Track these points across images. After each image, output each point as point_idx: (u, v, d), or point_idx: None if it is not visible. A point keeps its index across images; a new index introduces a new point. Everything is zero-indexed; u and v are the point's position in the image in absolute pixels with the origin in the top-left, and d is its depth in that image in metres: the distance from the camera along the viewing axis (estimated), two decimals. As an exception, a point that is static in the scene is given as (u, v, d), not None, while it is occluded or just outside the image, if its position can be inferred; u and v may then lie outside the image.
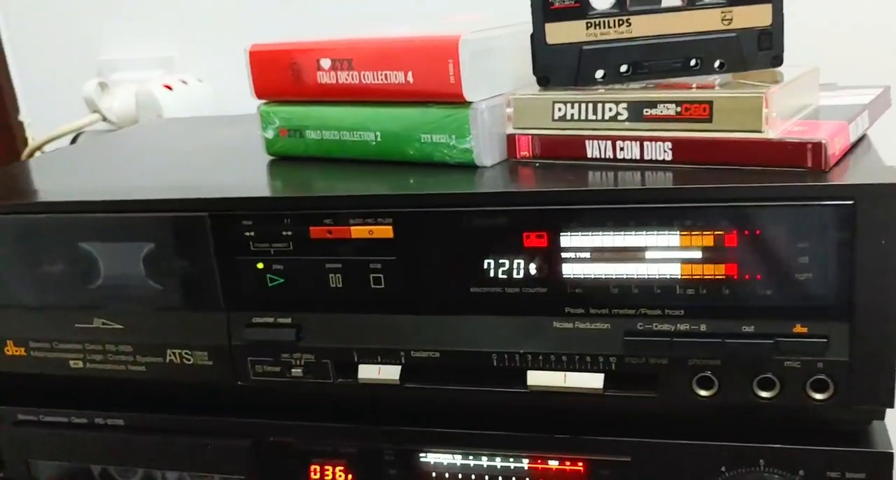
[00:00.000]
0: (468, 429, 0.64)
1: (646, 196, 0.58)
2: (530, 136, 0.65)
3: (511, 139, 0.66)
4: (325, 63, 0.69)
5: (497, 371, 0.62)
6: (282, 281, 0.64)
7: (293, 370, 0.65)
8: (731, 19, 0.64)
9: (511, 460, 0.64)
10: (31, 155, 1.25)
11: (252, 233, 0.64)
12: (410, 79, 0.65)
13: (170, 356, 0.69)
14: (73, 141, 1.24)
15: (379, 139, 0.69)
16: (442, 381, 0.63)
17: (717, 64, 0.64)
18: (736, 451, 0.60)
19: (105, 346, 0.70)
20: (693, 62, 0.64)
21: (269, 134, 0.74)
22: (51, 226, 0.70)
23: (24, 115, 1.38)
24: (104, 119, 1.21)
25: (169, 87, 1.19)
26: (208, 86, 1.23)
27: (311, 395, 0.67)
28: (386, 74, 0.66)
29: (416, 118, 0.67)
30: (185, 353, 0.68)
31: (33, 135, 1.37)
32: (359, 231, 0.62)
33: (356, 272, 0.63)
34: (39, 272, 0.71)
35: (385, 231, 0.61)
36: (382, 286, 0.63)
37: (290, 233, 0.63)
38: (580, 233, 0.59)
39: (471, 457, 0.65)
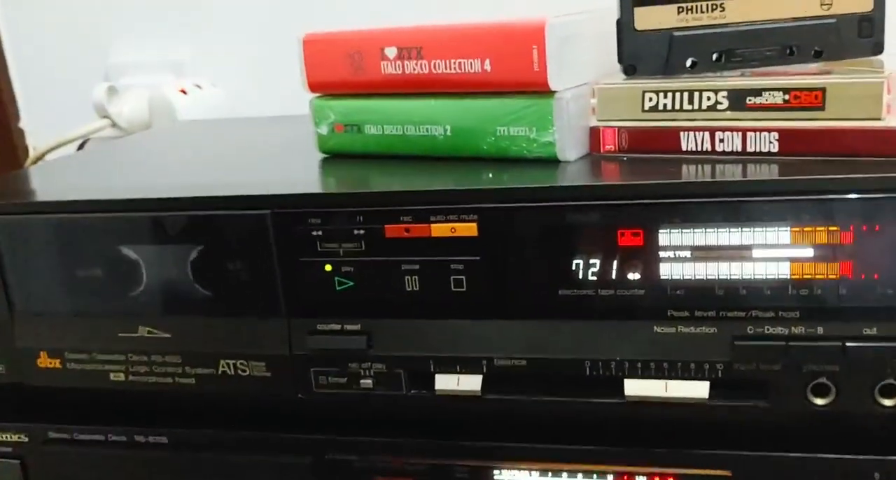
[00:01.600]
0: (550, 443, 0.59)
1: (754, 188, 0.53)
2: (616, 129, 0.61)
3: (595, 132, 0.61)
4: (391, 52, 0.63)
5: (590, 380, 0.57)
6: (351, 284, 0.59)
7: (362, 381, 0.60)
8: (831, 4, 0.59)
9: (595, 476, 0.59)
10: (35, 162, 1.18)
11: (320, 233, 0.58)
12: (488, 67, 0.60)
13: (223, 367, 0.63)
14: (80, 148, 1.18)
15: (448, 133, 0.64)
16: (527, 392, 0.58)
17: (813, 51, 0.60)
18: (850, 464, 0.55)
19: (151, 357, 0.64)
20: (789, 50, 0.60)
21: (323, 130, 0.68)
22: (89, 226, 0.64)
23: (25, 123, 1.31)
24: (114, 125, 1.14)
25: (184, 92, 1.13)
26: (222, 90, 1.18)
27: (378, 409, 0.61)
28: (460, 63, 0.61)
29: (493, 110, 0.62)
30: (241, 364, 0.62)
31: (34, 144, 1.30)
32: (440, 229, 0.56)
33: (435, 273, 0.57)
34: (76, 277, 0.65)
35: (469, 229, 0.56)
36: (464, 288, 0.57)
37: (362, 231, 0.58)
38: (680, 230, 0.54)
39: (550, 474, 0.60)
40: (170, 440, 0.66)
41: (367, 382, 0.60)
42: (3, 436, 0.69)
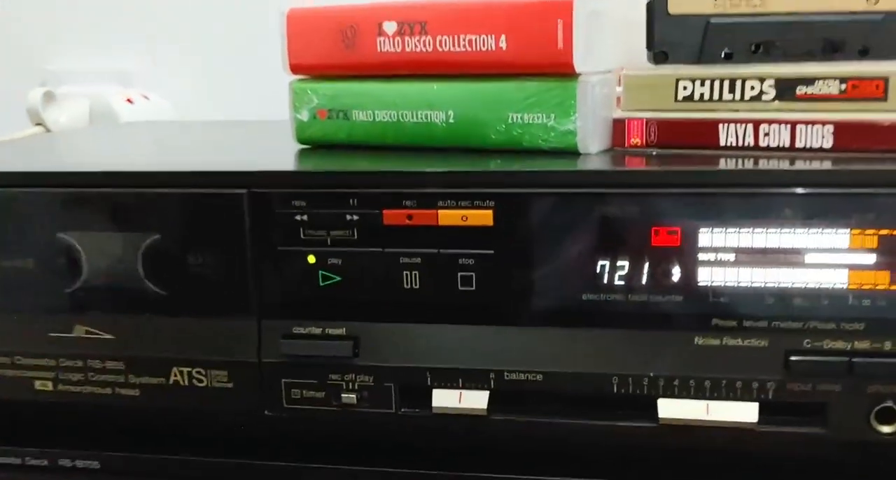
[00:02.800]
0: (568, 477, 0.49)
1: (808, 179, 0.45)
2: (645, 120, 0.53)
3: (619, 124, 0.54)
4: (390, 27, 0.55)
5: (618, 399, 0.48)
6: (338, 279, 0.49)
7: (344, 396, 0.50)
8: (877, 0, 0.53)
9: (611, 518, 0.50)
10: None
11: (304, 217, 0.49)
12: (503, 44, 0.53)
13: (175, 375, 0.52)
14: (8, 157, 1.06)
15: (451, 120, 0.55)
16: (543, 412, 0.49)
17: (860, 49, 0.53)
18: (911, 505, 0.47)
19: (87, 362, 0.53)
20: (833, 45, 0.53)
21: (304, 115, 0.59)
22: (18, 205, 0.53)
23: (-54, 131, 1.18)
24: (48, 132, 1.03)
25: (130, 101, 1.03)
26: (171, 102, 1.08)
27: (362, 431, 0.51)
28: (471, 40, 0.53)
29: (506, 93, 0.54)
30: (197, 372, 0.52)
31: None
32: (449, 216, 0.48)
33: (440, 269, 0.48)
34: (5, 263, 0.54)
35: (483, 217, 0.47)
36: (473, 288, 0.48)
37: (355, 217, 0.48)
38: (724, 230, 0.46)
39: (559, 514, 0.50)
40: (103, 465, 0.54)
41: (349, 397, 0.50)
42: None
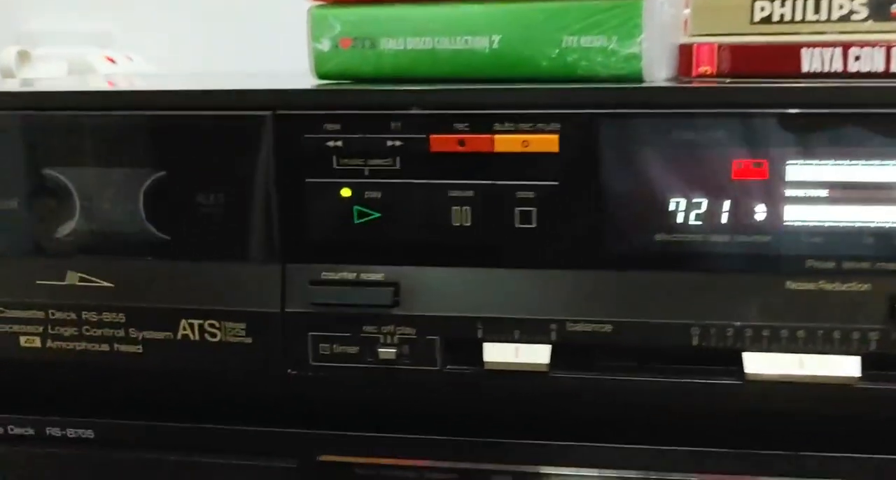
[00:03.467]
0: (642, 443, 0.43)
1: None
2: (716, 46, 0.47)
3: (685, 51, 0.47)
4: (425, -61, 0.48)
5: (698, 353, 0.41)
6: (376, 216, 0.42)
7: (381, 351, 0.43)
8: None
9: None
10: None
11: (338, 143, 0.42)
12: (558, -43, 0.46)
13: (184, 329, 0.45)
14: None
15: (496, 46, 0.48)
16: (612, 369, 0.42)
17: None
18: None
19: (82, 315, 0.45)
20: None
21: (324, 45, 0.52)
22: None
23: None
24: (24, 93, 0.95)
25: (112, 61, 0.95)
26: (156, 65, 1.00)
27: (400, 392, 0.44)
28: (520, -48, 0.47)
29: (561, 14, 0.47)
30: (210, 325, 0.44)
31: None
32: (507, 142, 0.41)
33: (495, 203, 0.42)
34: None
35: (547, 142, 0.41)
36: (533, 225, 0.42)
37: (398, 143, 0.42)
38: (817, 161, 0.40)
39: (613, 486, 0.44)
40: (98, 434, 0.47)
41: (387, 352, 0.43)
42: None
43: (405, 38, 0.50)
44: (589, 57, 0.47)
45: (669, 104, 0.40)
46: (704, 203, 0.42)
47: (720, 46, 0.47)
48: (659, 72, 0.47)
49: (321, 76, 0.52)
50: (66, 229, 0.47)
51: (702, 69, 0.47)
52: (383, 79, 0.50)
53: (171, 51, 1.01)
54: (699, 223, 0.42)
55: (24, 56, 0.95)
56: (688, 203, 0.42)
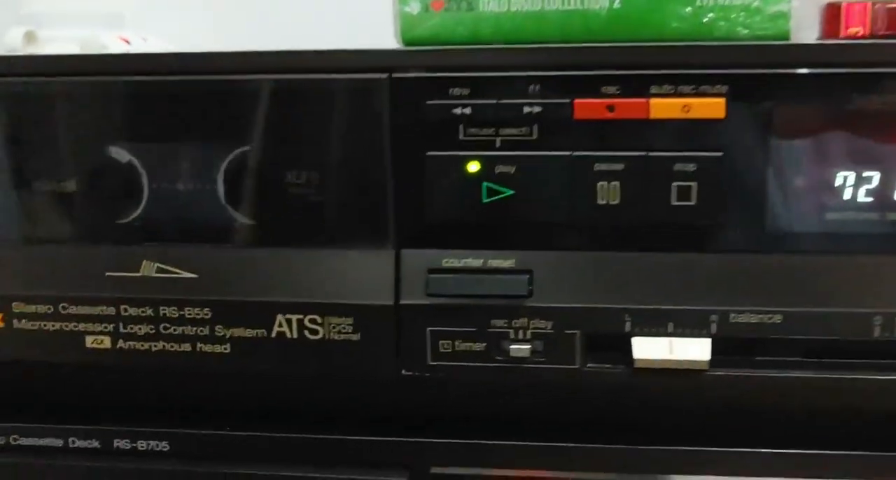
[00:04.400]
0: (816, 448, 0.37)
1: None
2: (868, 5, 0.41)
3: (832, 10, 0.42)
4: None
5: (880, 347, 0.36)
6: (509, 193, 0.36)
7: (513, 347, 0.37)
8: None
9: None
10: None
11: (467, 111, 0.36)
12: None
13: (280, 325, 0.38)
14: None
15: (616, 5, 0.43)
16: (780, 365, 0.36)
17: None
18: None
19: (160, 311, 0.39)
20: None
21: (413, 7, 0.46)
22: (55, 108, 0.40)
23: None
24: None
25: (127, 41, 0.88)
26: (173, 45, 0.93)
27: (532, 395, 0.38)
28: None
29: (695, -33, 0.41)
30: (311, 321, 0.38)
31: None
32: (664, 106, 0.35)
33: (649, 178, 0.36)
34: (35, 189, 0.40)
35: (712, 107, 0.35)
36: (692, 202, 0.36)
37: (536, 109, 0.35)
38: None
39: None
40: (174, 448, 0.41)
41: (520, 349, 0.37)
42: None
43: (508, -1, 0.44)
44: (728, 16, 0.41)
45: (863, 63, 0.34)
46: (877, 177, 0.36)
47: (874, 5, 0.41)
48: (807, 32, 0.41)
49: (408, 42, 0.45)
50: (132, 213, 0.40)
51: (852, 30, 0.42)
52: (481, 44, 0.44)
53: (183, 31, 0.93)
54: (871, 200, 0.36)
55: (30, 37, 0.88)
56: (858, 177, 0.36)
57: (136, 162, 0.41)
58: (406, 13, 0.45)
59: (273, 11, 0.87)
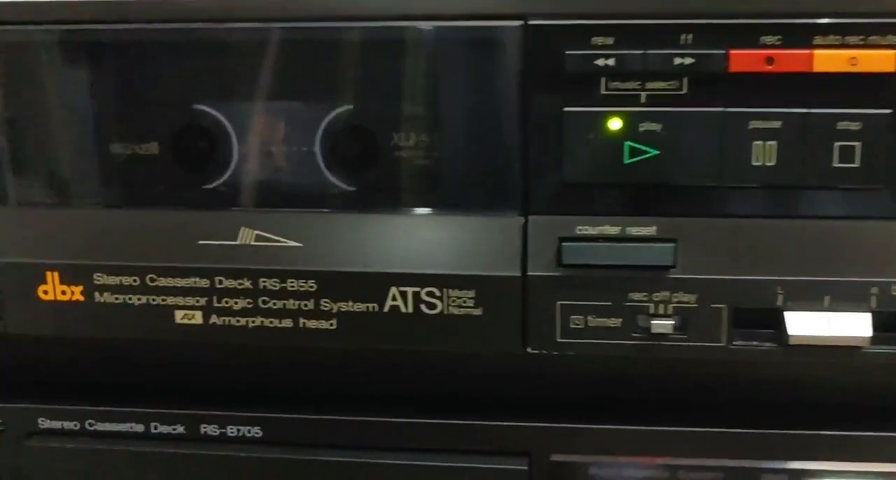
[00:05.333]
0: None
1: None
2: None
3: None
4: None
5: None
6: (653, 153, 0.33)
7: (654, 323, 0.33)
8: None
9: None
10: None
11: (610, 62, 0.32)
12: None
13: (393, 298, 0.34)
14: None
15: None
16: (947, 341, 0.33)
17: None
18: None
19: (259, 282, 0.35)
20: None
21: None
22: (133, 63, 0.35)
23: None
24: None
25: None
26: None
27: (670, 375, 0.35)
28: None
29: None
30: (428, 294, 0.34)
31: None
32: (829, 59, 0.32)
33: (810, 137, 0.32)
34: (113, 151, 0.36)
35: (882, 60, 0.32)
36: (855, 164, 0.32)
37: (688, 60, 0.32)
38: None
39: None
40: (267, 433, 0.37)
41: (662, 324, 0.33)
42: (-46, 426, 0.37)
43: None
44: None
45: None
46: None
47: None
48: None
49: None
50: (219, 178, 0.36)
51: None
52: None
53: None
54: None
55: None
56: None
57: (224, 122, 0.36)
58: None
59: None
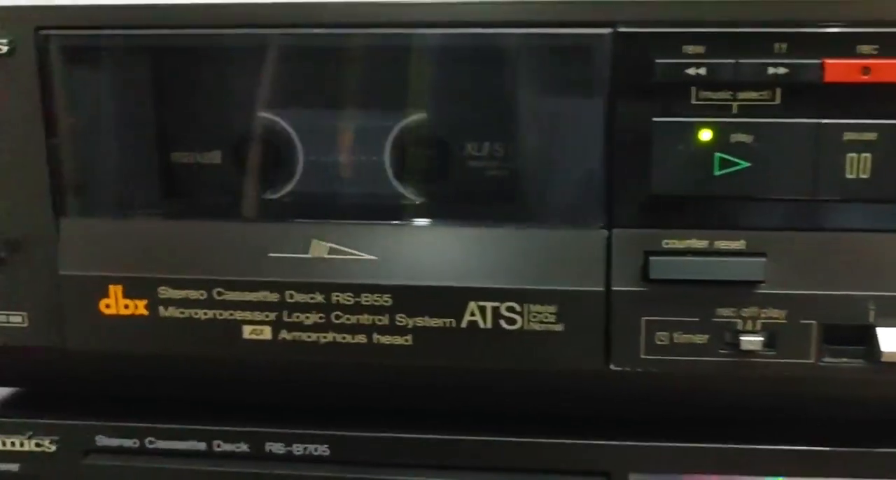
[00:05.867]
0: None
1: None
2: None
3: None
4: None
5: None
6: (744, 165, 0.32)
7: (743, 339, 0.32)
8: None
9: None
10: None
11: (701, 71, 0.31)
12: None
13: (472, 314, 0.33)
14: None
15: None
16: None
17: None
18: None
19: (331, 297, 0.33)
20: None
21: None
22: (195, 68, 0.34)
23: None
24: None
25: None
26: None
27: (752, 392, 0.33)
28: None
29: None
30: (508, 309, 0.33)
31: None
32: (929, 69, 0.30)
33: (906, 149, 0.31)
34: (177, 159, 0.35)
35: (983, 69, 0.30)
36: (954, 178, 0.31)
37: (782, 70, 0.31)
38: None
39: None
40: (335, 451, 0.35)
41: (751, 341, 0.32)
42: (12, 441, 0.36)
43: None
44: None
45: None
46: None
47: None
48: None
49: None
50: (284, 188, 0.35)
51: None
52: None
53: None
54: None
55: None
56: None
57: (290, 130, 0.35)
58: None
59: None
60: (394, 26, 0.33)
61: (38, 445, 0.36)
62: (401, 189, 0.35)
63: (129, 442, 0.36)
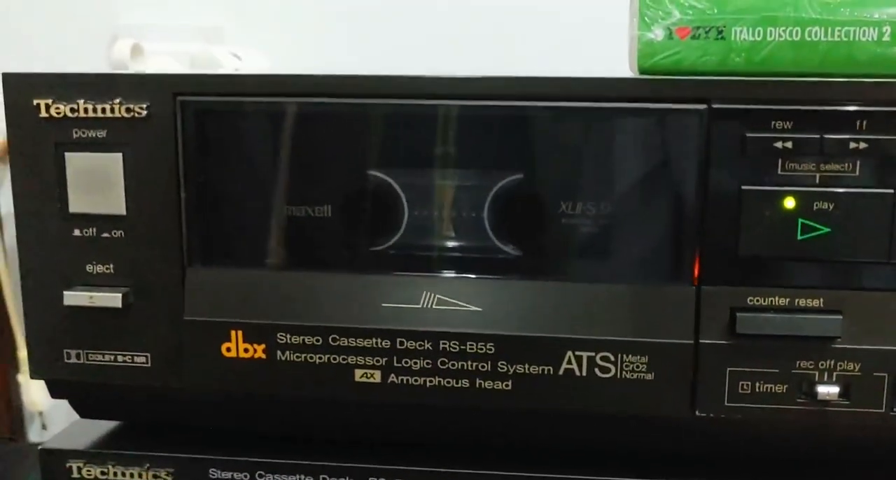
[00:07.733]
0: None
1: None
2: None
3: None
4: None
5: None
6: (825, 231, 0.34)
7: (820, 389, 0.34)
8: None
9: None
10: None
11: (788, 144, 0.33)
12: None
13: (569, 362, 0.35)
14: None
15: (887, 38, 0.40)
16: None
17: None
18: None
19: (440, 344, 0.35)
20: None
21: (657, 34, 0.43)
22: (313, 129, 0.36)
23: None
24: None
25: (238, 57, 0.84)
26: (269, 62, 0.89)
27: (834, 440, 0.35)
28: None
29: None
30: (603, 359, 0.35)
31: None
32: None
33: (973, 219, 0.33)
34: (290, 213, 0.36)
35: None
36: None
37: (863, 144, 0.33)
38: None
39: None
40: (438, 486, 0.37)
41: (828, 391, 0.34)
42: (130, 473, 0.37)
43: (766, 27, 0.41)
44: None
45: None
46: None
47: None
48: None
49: (644, 70, 0.42)
50: (388, 240, 0.37)
51: None
52: (730, 74, 0.41)
53: (290, 49, 0.89)
54: None
55: (136, 50, 0.84)
56: None
57: (397, 187, 0.37)
58: (647, 40, 0.42)
59: (376, 27, 0.83)
60: (506, 99, 0.35)
61: (154, 476, 0.38)
62: (499, 243, 0.37)
63: (240, 476, 0.38)
